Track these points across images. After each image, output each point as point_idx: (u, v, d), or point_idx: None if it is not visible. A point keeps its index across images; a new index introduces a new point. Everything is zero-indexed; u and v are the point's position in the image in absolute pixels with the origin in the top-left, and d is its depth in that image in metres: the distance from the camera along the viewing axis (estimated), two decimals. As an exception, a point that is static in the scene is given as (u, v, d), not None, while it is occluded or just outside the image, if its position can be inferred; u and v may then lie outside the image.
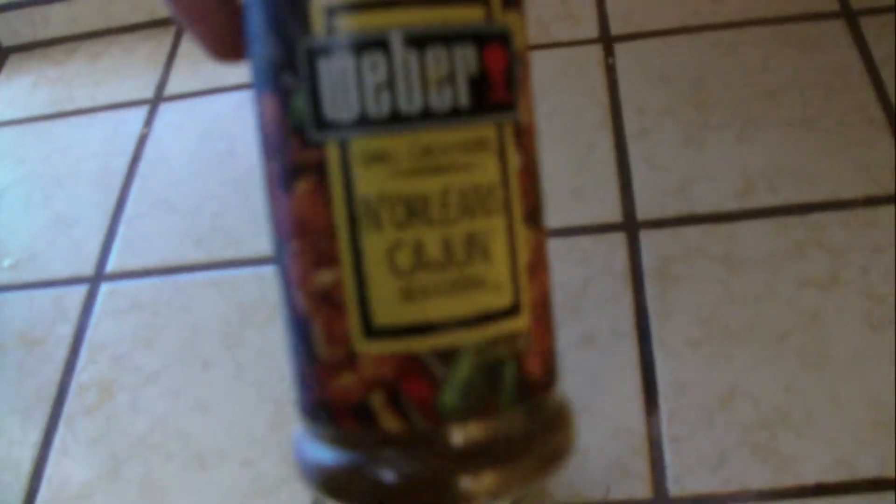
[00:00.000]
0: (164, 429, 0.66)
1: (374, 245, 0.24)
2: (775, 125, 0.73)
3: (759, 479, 0.56)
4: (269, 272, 0.71)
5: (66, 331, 0.74)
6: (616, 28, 0.84)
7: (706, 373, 0.61)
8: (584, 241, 0.69)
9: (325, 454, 0.26)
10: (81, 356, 0.72)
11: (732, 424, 0.58)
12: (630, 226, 0.69)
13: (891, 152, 0.70)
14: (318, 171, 0.24)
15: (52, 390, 0.70)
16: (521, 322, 0.26)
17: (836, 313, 0.62)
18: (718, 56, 0.79)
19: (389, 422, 0.25)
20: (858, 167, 0.70)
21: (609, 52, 0.82)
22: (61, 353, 0.72)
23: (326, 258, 0.25)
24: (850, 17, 0.81)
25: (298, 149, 0.25)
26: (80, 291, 0.76)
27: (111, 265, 0.77)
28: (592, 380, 0.62)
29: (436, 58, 0.24)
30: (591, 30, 0.84)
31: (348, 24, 0.24)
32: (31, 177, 0.87)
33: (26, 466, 0.66)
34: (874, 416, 0.58)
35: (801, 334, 0.62)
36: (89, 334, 0.73)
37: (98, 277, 0.76)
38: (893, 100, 0.74)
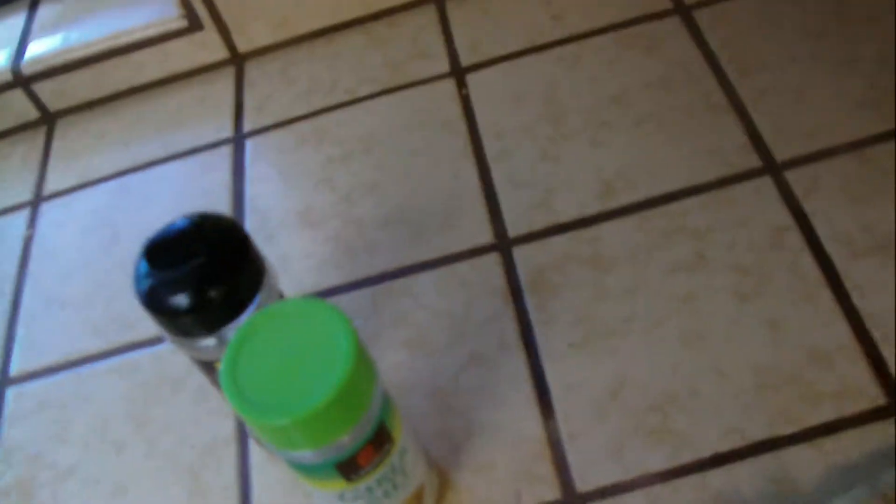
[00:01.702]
0: (89, 518, 0.67)
1: None
2: (626, 126, 0.77)
3: (659, 461, 0.59)
4: (164, 350, 0.73)
5: (-21, 440, 0.74)
6: (466, 59, 0.87)
7: (593, 370, 0.64)
8: (462, 267, 0.72)
9: None
10: (-3, 462, 0.72)
11: (625, 413, 0.61)
12: (502, 245, 0.72)
13: (737, 132, 0.74)
14: None
15: (-28, 501, 0.71)
16: None
17: (706, 291, 0.66)
18: (565, 69, 0.83)
19: None
20: (710, 151, 0.73)
21: (462, 83, 0.85)
22: (-23, 462, 0.73)
23: None
24: (683, 12, 0.85)
25: None
26: (-13, 399, 0.77)
27: (14, 369, 0.78)
28: (487, 395, 0.64)
29: None
30: (443, 65, 0.87)
31: None
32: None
33: (-43, 580, 0.67)
34: (757, 380, 0.61)
35: (676, 317, 0.65)
36: (2, 438, 0.74)
37: (3, 382, 0.77)
38: (734, 83, 0.78)
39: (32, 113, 0.98)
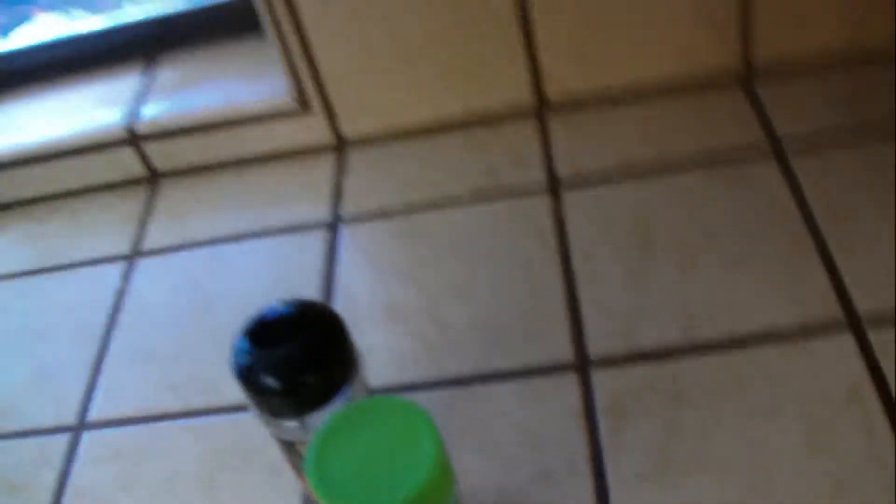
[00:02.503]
0: (146, 573, 0.68)
1: None
2: (714, 262, 0.78)
3: None
4: (243, 418, 0.75)
5: (50, 477, 0.76)
6: (563, 173, 0.90)
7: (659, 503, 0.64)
8: (538, 382, 0.73)
9: None
10: (64, 502, 0.74)
11: (685, 552, 0.62)
12: (582, 365, 0.74)
13: (823, 282, 0.75)
14: None
15: (35, 538, 0.73)
16: None
17: (777, 441, 0.66)
18: (661, 199, 0.85)
19: None
20: (794, 297, 0.74)
21: (557, 198, 0.87)
22: (44, 498, 0.75)
23: None
24: (780, 154, 0.86)
25: None
26: (63, 440, 0.79)
27: (93, 414, 0.80)
28: (551, 513, 0.65)
29: None
30: (540, 177, 0.90)
31: None
32: (12, 331, 0.91)
33: None
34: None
35: (746, 463, 0.65)
36: (72, 480, 0.76)
37: (80, 426, 0.80)
38: (822, 231, 0.79)
39: (139, 170, 1.02)
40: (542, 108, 0.97)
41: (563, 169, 0.90)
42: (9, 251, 1.00)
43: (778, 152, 0.87)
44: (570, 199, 0.87)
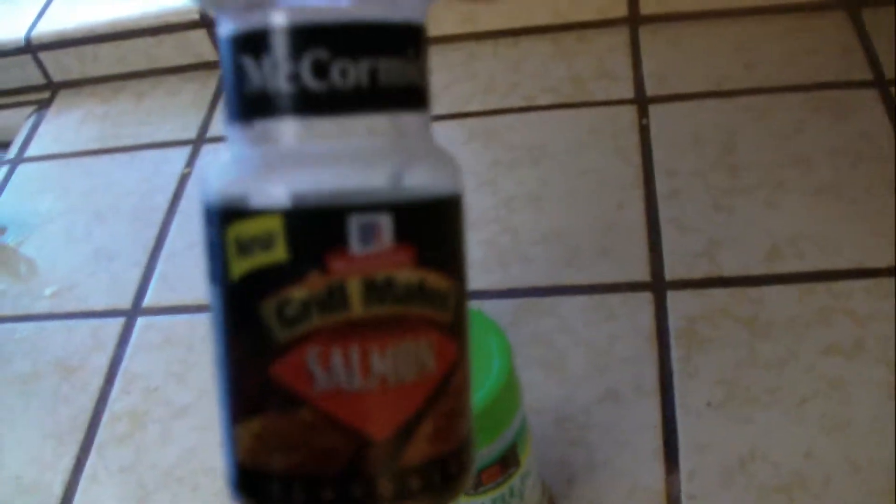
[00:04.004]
0: (192, 462, 0.67)
1: None
2: (804, 191, 0.75)
3: (776, 540, 0.57)
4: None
5: (102, 361, 0.75)
6: (651, 88, 0.85)
7: (726, 434, 0.62)
8: (612, 299, 0.70)
9: None
10: (115, 386, 0.73)
11: (751, 486, 0.59)
12: (657, 286, 0.70)
13: (917, 221, 0.71)
14: None
15: (85, 418, 0.72)
16: None
17: (857, 381, 0.63)
18: (750, 121, 0.81)
19: None
20: (885, 236, 0.71)
21: (643, 113, 0.83)
22: (96, 382, 0.74)
23: None
24: (882, 86, 0.82)
25: None
26: (117, 324, 0.78)
27: (148, 300, 0.79)
28: (615, 435, 0.63)
29: None
30: (627, 89, 0.86)
31: None
32: (74, 210, 0.89)
33: (57, 490, 0.68)
34: (892, 484, 0.58)
35: (822, 400, 0.62)
36: (124, 366, 0.75)
37: (135, 311, 0.78)
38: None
39: (210, 55, 0.99)
40: (633, 19, 0.92)
41: (652, 82, 0.86)
42: (74, 130, 0.99)
43: (880, 82, 0.82)
44: (657, 113, 0.83)
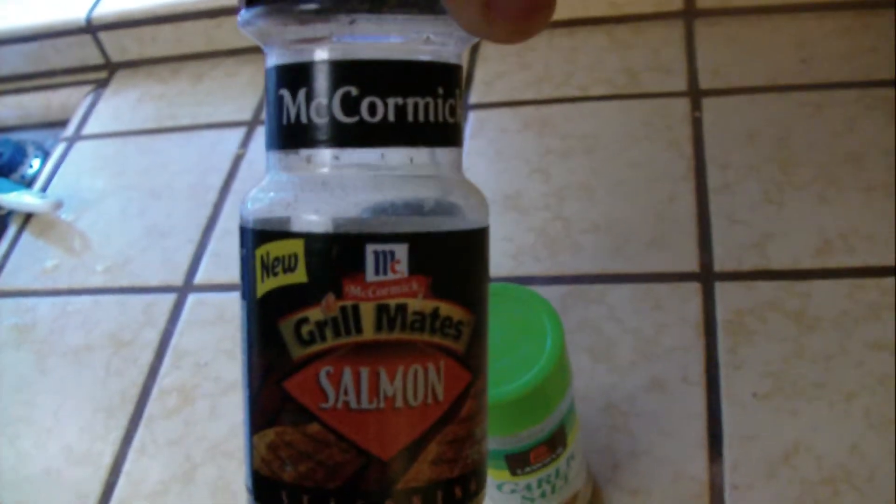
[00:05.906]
0: (240, 437, 0.67)
1: None
2: (856, 188, 0.74)
3: (819, 534, 0.57)
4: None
5: (153, 336, 0.77)
6: (705, 81, 0.85)
7: (772, 426, 0.62)
8: (660, 289, 0.70)
9: None
10: (165, 361, 0.74)
11: (795, 479, 0.59)
12: (706, 277, 0.70)
13: (970, 223, 0.71)
14: None
15: (135, 391, 0.73)
16: None
17: (905, 378, 0.63)
18: (804, 117, 0.80)
19: None
20: (937, 236, 0.70)
21: (697, 105, 0.83)
22: (147, 356, 0.75)
23: None
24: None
25: None
26: (169, 299, 0.79)
27: (199, 277, 0.80)
28: (660, 424, 0.63)
29: None
30: (681, 82, 0.86)
31: None
32: (129, 187, 0.91)
33: (107, 460, 0.69)
34: (938, 483, 0.58)
35: (868, 395, 0.62)
36: (174, 341, 0.76)
37: (187, 287, 0.79)
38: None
39: (267, 37, 1.00)
40: (689, 13, 0.92)
41: (706, 75, 0.86)
42: (132, 109, 1.00)
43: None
44: (710, 106, 0.83)
